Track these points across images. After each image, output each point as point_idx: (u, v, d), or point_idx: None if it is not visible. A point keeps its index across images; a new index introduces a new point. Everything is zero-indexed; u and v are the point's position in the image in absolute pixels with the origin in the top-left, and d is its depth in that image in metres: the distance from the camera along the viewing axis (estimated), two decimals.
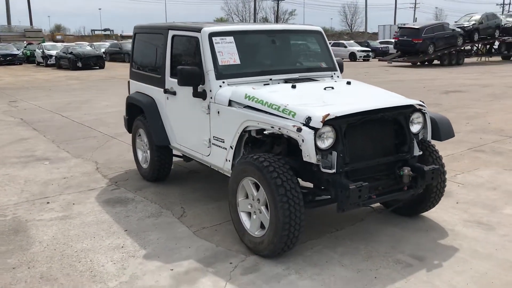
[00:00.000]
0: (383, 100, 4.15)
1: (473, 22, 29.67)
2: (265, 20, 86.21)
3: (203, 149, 4.73)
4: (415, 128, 4.15)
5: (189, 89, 4.63)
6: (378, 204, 4.74)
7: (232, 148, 4.30)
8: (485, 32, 29.87)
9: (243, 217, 4.07)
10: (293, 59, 5.15)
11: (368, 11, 61.83)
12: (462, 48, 29.15)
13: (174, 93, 5.06)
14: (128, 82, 6.30)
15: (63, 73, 25.25)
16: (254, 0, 48.99)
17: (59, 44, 38.16)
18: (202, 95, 4.53)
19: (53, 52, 30.91)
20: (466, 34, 28.76)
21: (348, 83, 4.60)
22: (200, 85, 4.52)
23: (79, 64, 27.52)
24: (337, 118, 3.64)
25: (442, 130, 4.27)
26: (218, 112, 4.39)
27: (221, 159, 4.48)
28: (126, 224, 4.61)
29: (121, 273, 3.67)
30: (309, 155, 3.56)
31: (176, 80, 4.91)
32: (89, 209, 5.02)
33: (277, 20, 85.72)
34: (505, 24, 31.34)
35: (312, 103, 3.91)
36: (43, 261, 3.87)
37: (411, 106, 4.11)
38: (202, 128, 4.66)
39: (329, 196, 4.02)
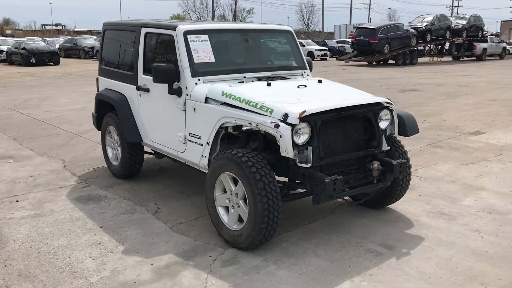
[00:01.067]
0: (354, 97, 4.35)
1: (426, 23, 30.80)
2: (223, 18, 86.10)
3: (178, 146, 4.79)
4: (383, 124, 4.37)
5: (164, 86, 4.69)
6: (348, 197, 4.94)
7: (208, 144, 4.39)
8: (437, 33, 31.06)
9: (221, 211, 4.17)
10: (265, 58, 5.29)
11: (324, 10, 62.76)
12: (416, 48, 30.18)
13: (147, 90, 5.09)
14: (97, 79, 6.25)
15: (15, 69, 24.41)
16: None
17: (9, 39, 36.77)
18: (177, 92, 4.59)
19: (4, 47, 29.76)
20: (419, 34, 29.82)
21: (319, 81, 4.77)
22: (176, 82, 4.59)
23: (33, 60, 26.66)
24: (312, 114, 3.80)
25: (408, 126, 4.52)
26: (194, 109, 4.47)
27: (197, 155, 4.56)
28: (101, 221, 4.62)
29: (102, 269, 3.69)
30: (287, 150, 3.70)
31: (149, 77, 4.97)
32: (61, 206, 4.98)
33: (235, 18, 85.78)
34: (455, 25, 32.70)
35: (287, 100, 4.05)
36: (19, 258, 3.84)
37: (379, 103, 4.33)
38: (177, 125, 4.72)
39: (304, 190, 4.20)
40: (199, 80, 4.54)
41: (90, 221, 4.60)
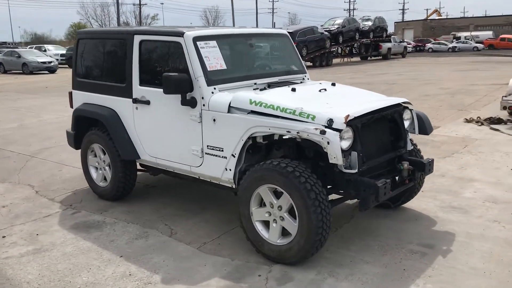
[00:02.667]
0: (380, 99, 4.33)
1: (337, 25, 32.19)
2: (127, 24, 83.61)
3: (192, 160, 4.45)
4: (405, 124, 4.39)
5: (169, 97, 4.37)
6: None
7: (234, 157, 4.12)
8: (348, 35, 32.57)
9: (259, 226, 3.93)
10: (270, 63, 5.12)
11: (230, 15, 63.25)
12: (329, 50, 31.37)
13: (147, 103, 4.69)
14: (70, 93, 5.67)
15: None
16: (117, 3, 46.98)
17: None
18: (191, 103, 4.27)
19: None
20: (332, 37, 31.05)
21: (333, 84, 4.70)
22: (188, 93, 4.27)
23: None
24: (354, 118, 3.71)
25: (427, 125, 4.58)
26: (214, 120, 4.18)
27: (218, 169, 4.26)
28: (116, 249, 4.16)
29: None
30: (336, 156, 3.57)
31: (149, 88, 4.63)
32: (60, 238, 4.43)
33: (140, 25, 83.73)
34: (362, 27, 34.51)
35: (319, 105, 3.93)
36: None
37: (400, 104, 4.34)
38: (191, 138, 4.39)
39: (340, 196, 4.11)
40: (214, 89, 4.26)
41: (105, 251, 4.13)
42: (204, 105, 4.22)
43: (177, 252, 4.10)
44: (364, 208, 3.78)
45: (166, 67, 4.58)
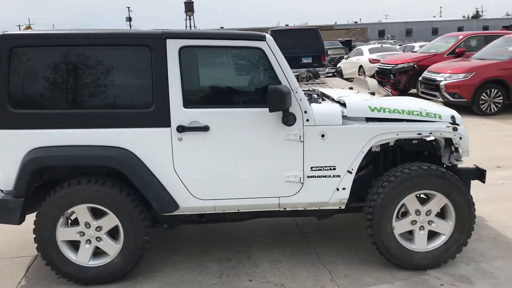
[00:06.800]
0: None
1: None
2: None
3: (283, 190, 3.63)
4: None
5: (248, 118, 3.55)
6: None
7: (350, 173, 3.68)
8: None
9: (401, 239, 3.71)
10: None
11: None
12: None
13: (204, 129, 3.49)
14: None
15: None
16: None
17: None
18: (289, 120, 3.52)
19: None
20: None
21: (351, 88, 4.71)
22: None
23: None
24: None
25: None
26: (323, 136, 3.59)
27: (325, 192, 3.68)
28: None
29: None
30: (468, 150, 3.82)
31: (206, 110, 3.57)
32: None
33: None
34: None
35: (416, 105, 4.05)
36: None
37: None
38: (286, 162, 3.59)
39: None
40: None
41: None
42: (308, 120, 3.57)
43: None
44: None
45: (233, 81, 3.56)
